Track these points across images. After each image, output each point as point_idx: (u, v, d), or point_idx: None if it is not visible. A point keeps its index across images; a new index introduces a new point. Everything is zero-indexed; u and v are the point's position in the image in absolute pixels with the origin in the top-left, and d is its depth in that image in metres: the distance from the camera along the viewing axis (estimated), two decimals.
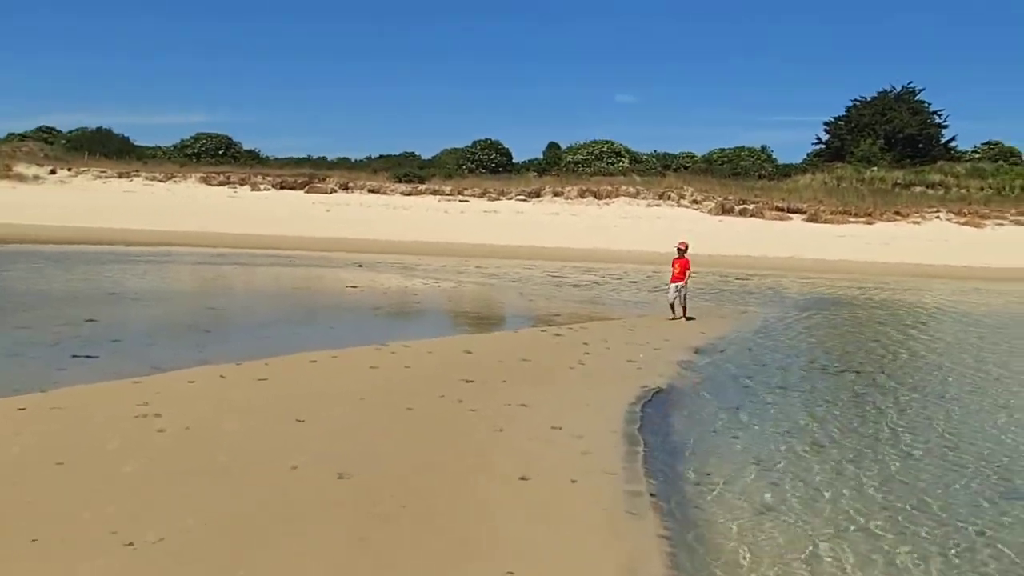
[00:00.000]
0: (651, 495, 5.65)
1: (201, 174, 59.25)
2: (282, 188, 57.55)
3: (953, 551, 5.07)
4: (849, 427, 8.02)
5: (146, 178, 58.35)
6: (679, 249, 16.24)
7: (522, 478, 5.81)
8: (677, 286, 15.71)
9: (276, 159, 67.07)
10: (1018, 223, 46.73)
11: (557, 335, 12.94)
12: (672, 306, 15.69)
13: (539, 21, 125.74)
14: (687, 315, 15.69)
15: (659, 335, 13.52)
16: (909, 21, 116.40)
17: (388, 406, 7.64)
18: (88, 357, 9.88)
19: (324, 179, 58.35)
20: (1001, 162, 62.44)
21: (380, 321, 14.16)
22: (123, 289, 17.46)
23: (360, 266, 27.27)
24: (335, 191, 56.64)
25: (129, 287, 18.03)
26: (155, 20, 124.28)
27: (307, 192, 56.32)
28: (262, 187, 57.73)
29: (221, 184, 58.17)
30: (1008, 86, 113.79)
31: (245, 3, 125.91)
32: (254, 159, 65.68)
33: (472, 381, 8.86)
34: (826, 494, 6.01)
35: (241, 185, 58.05)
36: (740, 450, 6.95)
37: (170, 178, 58.53)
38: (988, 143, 67.08)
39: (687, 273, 15.81)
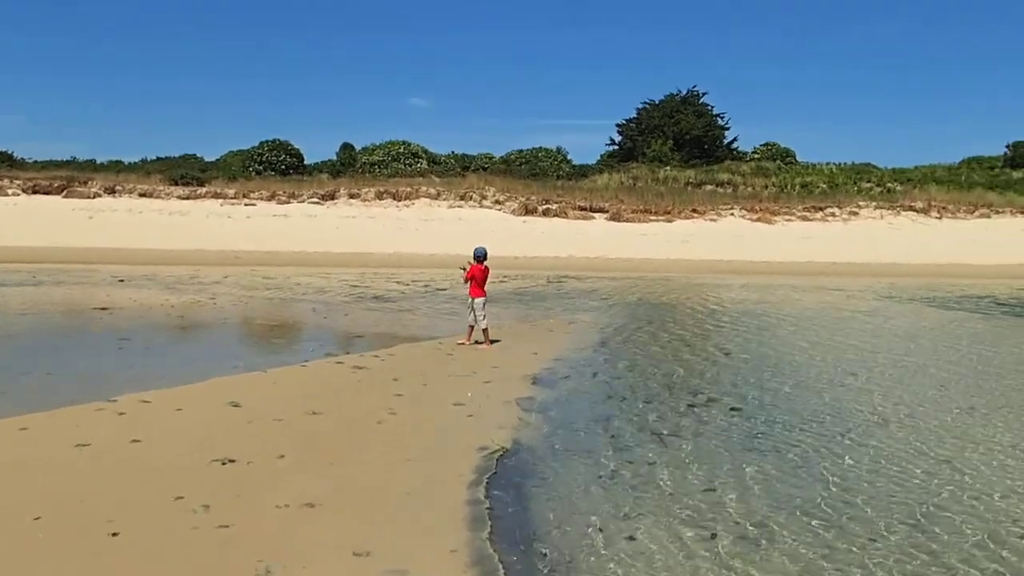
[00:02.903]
0: None
1: None
2: (35, 193, 50.32)
3: None
4: (776, 497, 5.89)
5: None
6: (479, 257, 12.94)
7: None
8: (482, 302, 12.59)
9: (35, 162, 58.81)
10: (804, 219, 49.05)
11: (358, 368, 10.17)
12: (472, 328, 12.58)
13: (325, 29, 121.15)
14: (491, 338, 12.61)
15: (484, 361, 11.08)
16: (689, 26, 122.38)
17: (79, 529, 4.63)
18: None
19: (86, 182, 51.60)
20: (779, 162, 66.45)
21: (122, 359, 10.66)
22: None
23: (122, 281, 23.04)
24: (99, 195, 50.19)
25: None
26: None
27: (65, 197, 49.52)
28: (10, 192, 50.14)
29: None
30: (781, 89, 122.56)
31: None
32: (7, 162, 57.08)
33: (233, 461, 5.96)
34: None
35: None
36: (649, 569, 4.57)
37: None
38: (766, 144, 71.10)
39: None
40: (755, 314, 18.50)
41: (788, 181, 58.52)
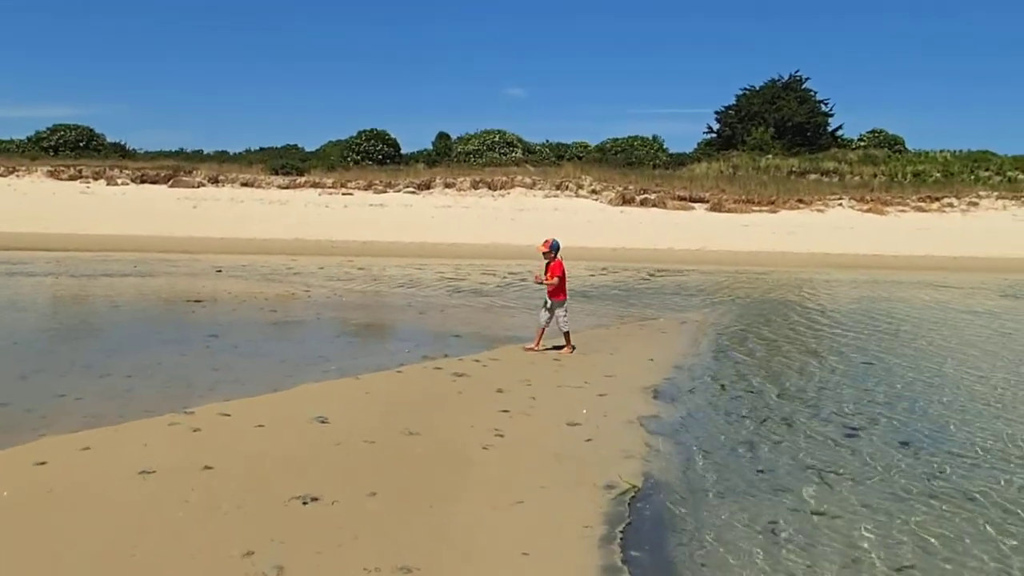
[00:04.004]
0: None
1: (49, 168, 52.61)
2: (143, 182, 51.92)
3: None
4: None
5: None
6: (546, 253, 11.20)
7: None
8: (559, 305, 11.12)
9: (146, 152, 60.79)
10: (919, 209, 46.02)
11: (458, 375, 9.19)
12: (540, 332, 11.14)
13: (424, 19, 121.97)
14: (543, 347, 11.08)
15: (596, 368, 9.94)
16: (791, 13, 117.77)
17: None
18: None
19: (191, 172, 52.88)
20: (887, 149, 63.13)
21: (208, 360, 9.99)
22: None
23: (220, 271, 22.90)
24: (203, 185, 51.37)
25: None
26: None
27: (171, 186, 50.92)
28: (120, 181, 51.83)
29: (72, 178, 51.94)
30: (889, 76, 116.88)
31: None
32: (119, 152, 59.11)
33: (316, 499, 5.03)
34: None
35: (95, 179, 52.00)
36: None
37: (12, 172, 51.61)
38: (873, 131, 67.80)
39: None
40: (882, 314, 16.79)
41: (899, 170, 55.44)
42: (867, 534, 4.96)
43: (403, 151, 59.85)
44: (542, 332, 11.18)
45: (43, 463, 5.53)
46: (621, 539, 4.66)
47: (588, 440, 6.68)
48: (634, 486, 5.56)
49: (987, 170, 53.87)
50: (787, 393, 8.96)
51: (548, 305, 11.20)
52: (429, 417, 7.19)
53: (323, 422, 6.88)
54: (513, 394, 8.25)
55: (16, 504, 4.83)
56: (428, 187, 49.16)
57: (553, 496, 5.30)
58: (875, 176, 54.04)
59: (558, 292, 11.16)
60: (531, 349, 11.08)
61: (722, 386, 9.26)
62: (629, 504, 5.23)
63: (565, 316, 11.15)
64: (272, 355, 10.44)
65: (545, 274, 11.26)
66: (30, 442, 6.04)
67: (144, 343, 11.17)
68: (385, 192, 48.33)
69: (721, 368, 10.45)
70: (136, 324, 13.37)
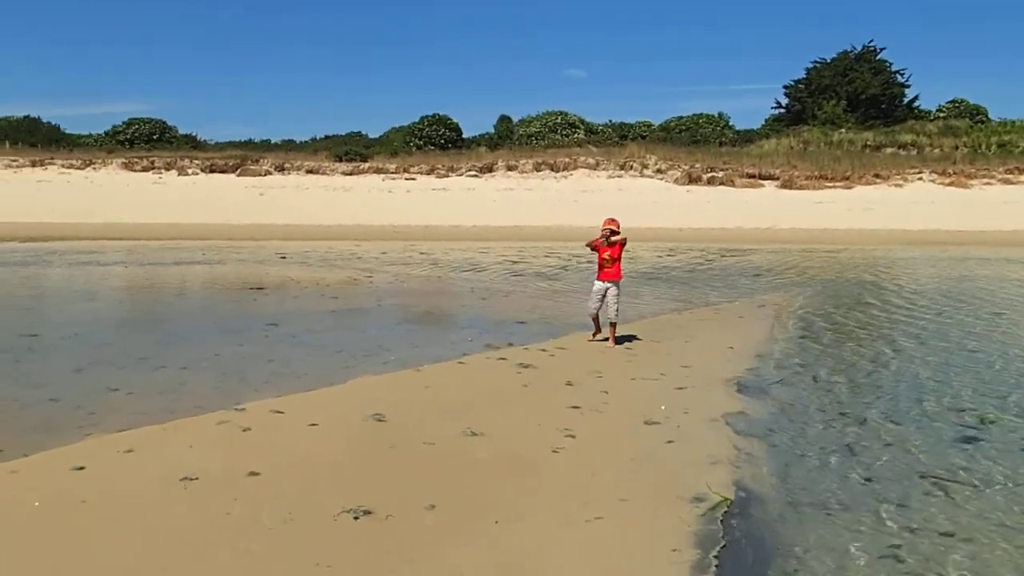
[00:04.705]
0: None
1: (123, 160, 53.90)
2: (212, 172, 52.84)
3: None
4: None
5: (62, 166, 52.71)
6: (612, 231, 10.02)
7: None
8: (609, 287, 10.11)
9: (216, 143, 61.93)
10: (1007, 182, 43.67)
11: (524, 366, 8.62)
12: (596, 319, 10.23)
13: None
14: (616, 335, 10.10)
15: (671, 358, 9.25)
16: None
17: None
18: None
19: (258, 161, 53.53)
20: (968, 120, 60.30)
21: (265, 351, 9.61)
22: None
23: (284, 258, 22.82)
24: (270, 173, 51.96)
25: None
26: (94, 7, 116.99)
27: (239, 175, 51.66)
28: (190, 171, 52.84)
29: (145, 170, 53.14)
30: (969, 43, 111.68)
31: None
32: (190, 144, 60.30)
33: (369, 512, 4.51)
34: None
35: (167, 170, 53.09)
36: None
37: (89, 165, 53.02)
38: (953, 101, 64.86)
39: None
40: (975, 294, 15.68)
41: (983, 140, 52.85)
42: (1014, 561, 4.21)
43: (465, 135, 59.58)
44: (598, 319, 10.32)
45: (81, 468, 5.14)
46: (716, 567, 4.01)
47: (669, 442, 6.02)
48: (726, 499, 4.90)
49: None
50: (887, 386, 8.14)
51: (603, 289, 10.10)
52: (493, 414, 6.63)
53: (380, 420, 6.38)
54: (583, 388, 7.64)
55: (44, 516, 4.42)
56: (490, 170, 48.77)
57: (634, 511, 4.67)
58: (956, 148, 51.68)
59: (616, 271, 10.17)
60: (599, 339, 10.30)
61: (813, 378, 8.47)
62: (722, 521, 4.57)
63: (617, 304, 10.07)
64: (330, 345, 10.02)
65: (606, 251, 10.12)
66: (74, 443, 5.69)
67: (203, 333, 10.89)
68: (447, 176, 48.08)
69: (809, 357, 9.64)
70: (198, 313, 13.18)
